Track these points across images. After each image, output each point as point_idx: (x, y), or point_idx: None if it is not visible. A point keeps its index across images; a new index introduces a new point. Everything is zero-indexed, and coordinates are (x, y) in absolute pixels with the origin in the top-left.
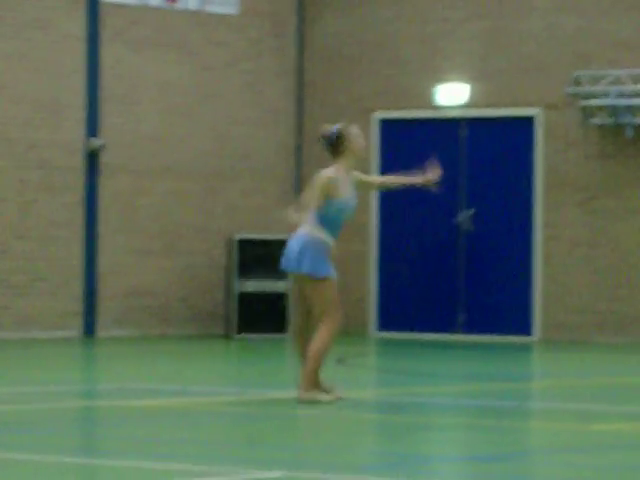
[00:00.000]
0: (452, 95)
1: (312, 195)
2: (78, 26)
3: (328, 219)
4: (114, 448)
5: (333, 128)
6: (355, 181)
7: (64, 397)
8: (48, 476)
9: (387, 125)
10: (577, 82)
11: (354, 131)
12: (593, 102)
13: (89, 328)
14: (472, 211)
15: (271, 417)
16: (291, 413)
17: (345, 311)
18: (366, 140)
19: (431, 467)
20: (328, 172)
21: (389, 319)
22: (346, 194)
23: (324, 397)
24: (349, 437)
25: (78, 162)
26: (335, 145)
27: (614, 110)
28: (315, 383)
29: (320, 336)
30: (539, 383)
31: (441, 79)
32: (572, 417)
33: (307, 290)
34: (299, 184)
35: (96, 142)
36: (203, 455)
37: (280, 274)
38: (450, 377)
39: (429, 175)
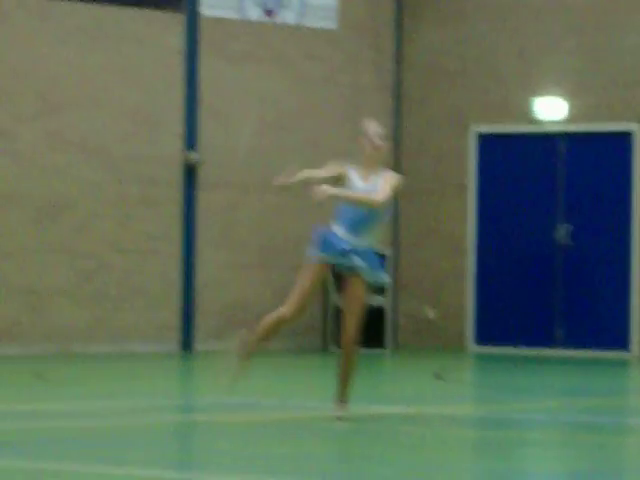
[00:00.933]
0: (550, 109)
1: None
2: (177, 40)
3: (341, 209)
4: (212, 463)
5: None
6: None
7: (162, 411)
8: None
9: (485, 139)
10: None
11: (369, 128)
12: None
13: (187, 342)
14: (570, 226)
15: (370, 433)
16: (388, 429)
17: (443, 326)
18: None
19: None
20: (347, 164)
21: (487, 333)
22: (359, 187)
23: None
24: (447, 454)
25: (176, 176)
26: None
27: None
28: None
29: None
30: (637, 399)
31: (539, 93)
32: None
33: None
34: (397, 199)
35: (194, 156)
36: (303, 471)
37: (378, 288)
38: (547, 392)
39: None
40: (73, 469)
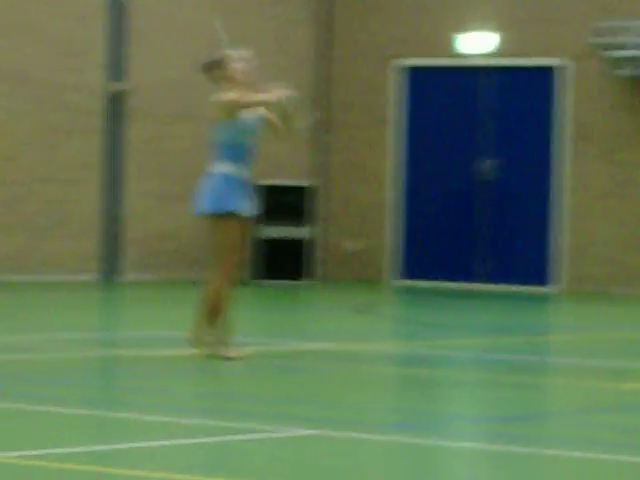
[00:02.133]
0: (475, 44)
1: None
2: None
3: (232, 144)
4: (135, 401)
5: (203, 59)
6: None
7: (81, 345)
8: (63, 429)
9: (410, 73)
10: (600, 33)
11: (234, 55)
12: (617, 54)
13: (110, 272)
14: (493, 161)
15: (292, 371)
16: (309, 367)
17: (365, 259)
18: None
19: (454, 426)
20: (222, 95)
21: (409, 267)
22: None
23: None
24: (368, 393)
25: (101, 106)
26: (210, 75)
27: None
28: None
29: (215, 282)
30: (562, 337)
31: (465, 28)
32: (595, 374)
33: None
34: (327, 130)
35: (119, 85)
36: (228, 410)
37: (300, 220)
38: (469, 329)
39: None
40: None
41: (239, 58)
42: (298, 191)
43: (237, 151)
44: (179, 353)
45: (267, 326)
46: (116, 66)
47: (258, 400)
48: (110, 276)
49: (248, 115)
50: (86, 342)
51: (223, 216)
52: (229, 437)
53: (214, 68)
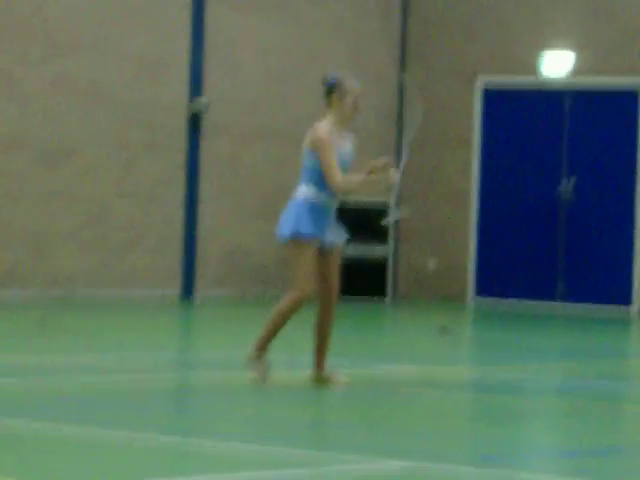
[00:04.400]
0: (556, 63)
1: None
2: None
3: (318, 170)
4: (210, 427)
5: (331, 75)
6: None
7: (161, 367)
8: (140, 458)
9: (490, 93)
10: None
11: (354, 87)
12: None
13: (188, 288)
14: (574, 181)
15: (371, 396)
16: (386, 391)
17: (444, 277)
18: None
19: (541, 459)
20: (323, 127)
21: (488, 286)
22: (339, 149)
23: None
24: (446, 421)
25: (181, 123)
26: (328, 94)
27: None
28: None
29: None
30: None
31: (546, 46)
32: None
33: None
34: (400, 150)
35: (201, 101)
36: (313, 439)
37: (380, 240)
38: (550, 352)
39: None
40: (69, 432)
41: (353, 92)
42: (377, 210)
43: (323, 178)
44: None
45: (347, 347)
46: (196, 83)
47: (339, 428)
48: (188, 293)
49: (340, 149)
50: (164, 363)
51: (298, 241)
52: (322, 469)
53: (334, 92)
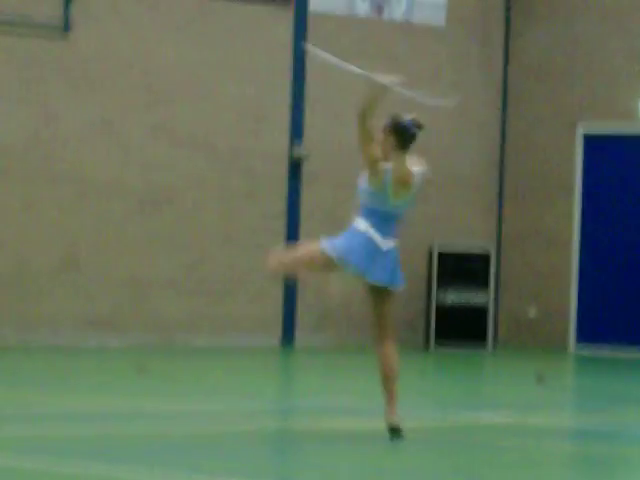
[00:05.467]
0: None
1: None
2: (285, 34)
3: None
4: (311, 477)
5: (409, 119)
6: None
7: (259, 415)
8: None
9: (591, 139)
10: None
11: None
12: None
13: (287, 336)
14: None
15: (468, 446)
16: (485, 441)
17: (544, 325)
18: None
19: None
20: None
21: (589, 333)
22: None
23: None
24: (546, 472)
25: (282, 170)
26: (412, 138)
27: None
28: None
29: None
30: None
31: None
32: None
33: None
34: (502, 196)
35: (301, 150)
36: None
37: (480, 286)
38: None
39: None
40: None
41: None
42: (478, 257)
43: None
44: (354, 425)
45: (445, 395)
46: (297, 130)
47: (432, 476)
48: (287, 340)
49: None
50: (263, 412)
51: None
52: None
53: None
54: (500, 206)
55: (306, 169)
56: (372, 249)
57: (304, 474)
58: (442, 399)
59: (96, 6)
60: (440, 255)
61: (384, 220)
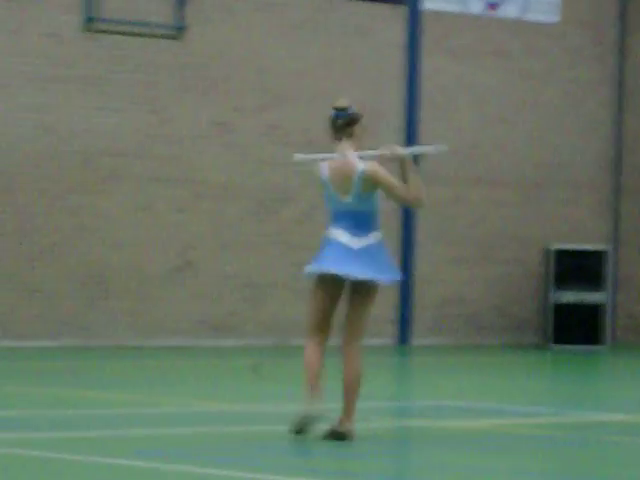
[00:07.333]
0: None
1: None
2: (399, 34)
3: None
4: (428, 476)
5: (352, 106)
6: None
7: (377, 415)
8: None
9: None
10: None
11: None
12: None
13: (404, 336)
14: None
15: (588, 444)
16: (608, 439)
17: None
18: None
19: None
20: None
21: None
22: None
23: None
24: None
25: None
26: (349, 125)
27: None
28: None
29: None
30: None
31: None
32: None
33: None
34: (617, 195)
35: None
36: None
37: (597, 285)
38: None
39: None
40: None
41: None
42: (593, 255)
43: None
44: (471, 425)
45: (559, 395)
46: (411, 130)
47: (542, 477)
48: (404, 340)
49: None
50: (382, 411)
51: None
52: None
53: (357, 123)
54: (617, 204)
55: (422, 168)
56: (339, 251)
57: (424, 473)
58: (558, 397)
59: (210, 8)
60: (556, 254)
61: (348, 219)
